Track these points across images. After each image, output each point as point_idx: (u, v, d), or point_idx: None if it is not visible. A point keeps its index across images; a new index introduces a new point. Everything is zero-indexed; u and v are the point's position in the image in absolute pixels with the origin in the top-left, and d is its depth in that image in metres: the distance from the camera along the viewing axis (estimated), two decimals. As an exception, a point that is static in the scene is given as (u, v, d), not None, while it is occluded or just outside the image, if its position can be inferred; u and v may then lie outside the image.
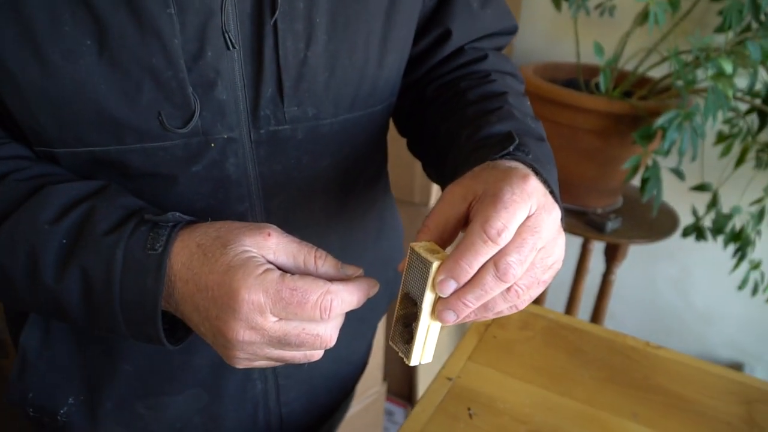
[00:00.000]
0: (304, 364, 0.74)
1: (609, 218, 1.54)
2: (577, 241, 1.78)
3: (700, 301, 1.92)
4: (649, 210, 1.58)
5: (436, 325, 0.51)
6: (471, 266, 0.47)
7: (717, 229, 1.48)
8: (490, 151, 0.56)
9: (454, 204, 0.52)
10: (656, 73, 1.51)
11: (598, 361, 0.84)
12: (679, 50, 1.32)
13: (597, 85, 1.46)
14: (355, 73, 0.62)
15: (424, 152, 0.76)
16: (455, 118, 0.67)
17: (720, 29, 1.37)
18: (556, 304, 2.03)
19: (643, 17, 1.40)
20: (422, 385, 1.88)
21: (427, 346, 0.52)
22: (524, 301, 0.51)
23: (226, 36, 0.54)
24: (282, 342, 0.50)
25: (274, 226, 0.52)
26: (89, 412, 0.69)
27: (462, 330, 2.06)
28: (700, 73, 1.35)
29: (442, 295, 0.48)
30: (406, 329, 0.52)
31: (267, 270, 0.49)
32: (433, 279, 0.48)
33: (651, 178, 1.36)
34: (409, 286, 0.51)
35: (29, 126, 0.55)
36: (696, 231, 1.52)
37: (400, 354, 0.53)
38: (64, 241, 0.52)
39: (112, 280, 0.51)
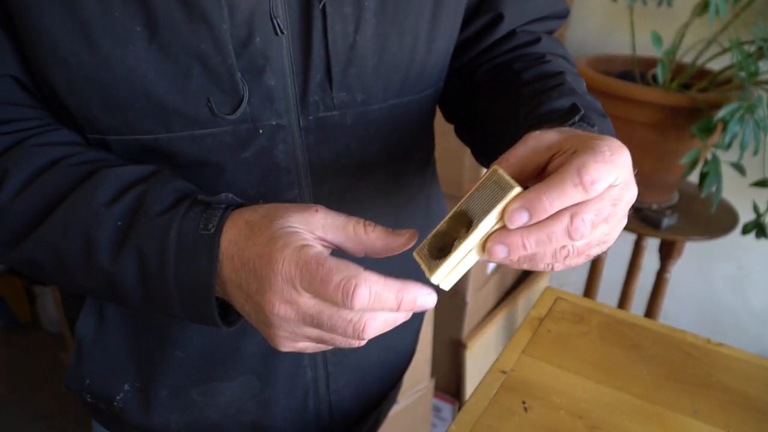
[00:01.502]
0: (352, 350, 0.74)
1: (665, 214, 1.50)
2: (630, 237, 1.75)
3: (758, 301, 1.86)
4: (706, 206, 1.54)
5: (474, 258, 0.47)
6: (552, 205, 0.44)
7: (779, 226, 1.43)
8: (554, 124, 0.54)
9: (537, 150, 0.49)
10: (715, 65, 1.47)
11: (656, 357, 0.82)
12: (741, 41, 1.28)
13: (654, 77, 1.43)
14: (404, 57, 0.62)
15: (475, 137, 0.74)
16: (510, 97, 0.65)
17: (784, 19, 1.33)
18: (608, 301, 1.99)
19: (703, 7, 1.36)
20: (470, 381, 1.87)
21: (454, 272, 0.48)
22: (564, 265, 0.49)
23: (275, 21, 0.54)
24: (315, 322, 0.47)
25: (322, 206, 0.51)
26: (144, 399, 0.70)
27: (513, 323, 2.04)
28: (762, 65, 1.31)
29: (509, 225, 0.45)
30: (439, 245, 0.48)
31: (307, 245, 0.47)
32: (506, 205, 0.45)
33: (710, 173, 1.32)
34: (472, 205, 0.47)
35: (81, 113, 0.56)
36: (757, 228, 1.47)
37: (421, 264, 0.49)
38: (119, 223, 0.52)
39: (166, 261, 0.51)
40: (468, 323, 1.81)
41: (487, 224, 0.46)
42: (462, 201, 0.48)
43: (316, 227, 0.49)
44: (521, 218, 0.45)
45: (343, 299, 0.44)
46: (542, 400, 0.74)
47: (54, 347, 2.41)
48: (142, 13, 0.50)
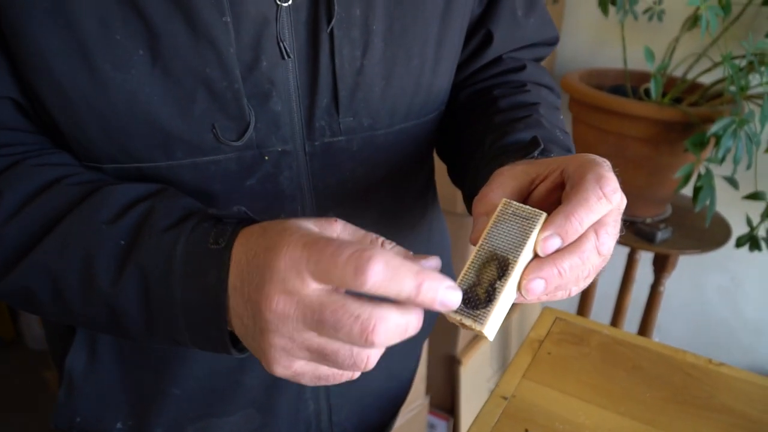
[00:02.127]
0: (355, 380, 0.72)
1: (659, 228, 1.50)
2: (624, 251, 1.74)
3: (751, 313, 1.86)
4: (699, 219, 1.54)
5: (512, 297, 0.45)
6: (582, 224, 0.43)
7: (772, 239, 1.43)
8: (513, 156, 0.54)
9: (514, 177, 0.49)
10: (706, 79, 1.47)
11: (658, 379, 0.81)
12: (731, 55, 1.28)
13: (646, 92, 1.43)
14: (411, 81, 0.61)
15: (450, 157, 0.74)
16: (482, 124, 0.65)
17: (774, 33, 1.33)
18: (602, 315, 1.99)
19: (693, 22, 1.36)
20: (465, 398, 1.85)
21: (499, 318, 0.44)
22: (582, 287, 0.48)
23: (281, 45, 0.53)
24: (317, 319, 0.39)
25: (341, 219, 0.47)
26: None
27: (506, 338, 2.03)
28: (753, 79, 1.31)
29: (543, 253, 0.44)
30: (475, 293, 0.45)
31: (318, 234, 0.42)
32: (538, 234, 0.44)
33: (704, 187, 1.32)
34: (496, 243, 0.45)
35: (77, 140, 0.54)
36: (750, 241, 1.47)
37: (464, 320, 0.44)
38: (122, 242, 0.48)
39: (171, 279, 0.46)
40: (462, 339, 1.80)
41: (525, 258, 0.44)
42: (482, 241, 0.46)
43: (330, 233, 0.46)
44: (554, 245, 0.44)
45: (354, 273, 0.37)
46: (545, 427, 0.73)
47: (38, 365, 2.38)
48: (146, 36, 0.49)
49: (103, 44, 0.48)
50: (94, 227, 0.49)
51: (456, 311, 0.45)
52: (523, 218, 0.45)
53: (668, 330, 1.99)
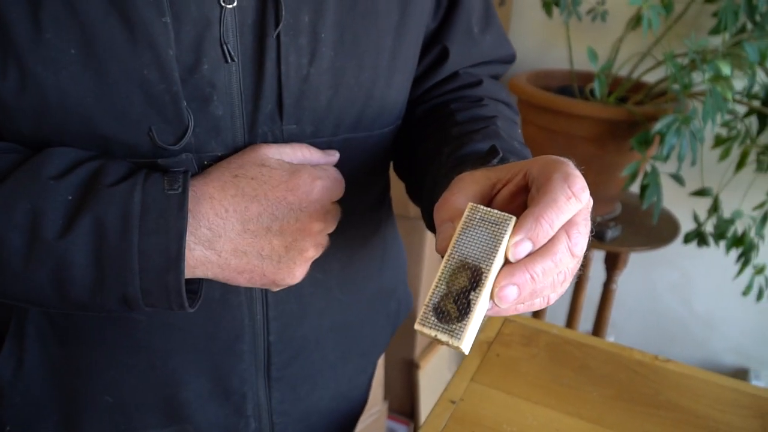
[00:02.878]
0: (300, 399, 0.71)
1: (608, 226, 1.51)
2: (577, 250, 1.76)
3: (703, 308, 1.89)
4: (648, 217, 1.56)
5: (486, 307, 0.43)
6: (552, 226, 0.42)
7: (719, 235, 1.45)
8: (472, 166, 0.52)
9: (476, 181, 0.48)
10: (651, 78, 1.49)
11: (605, 378, 0.81)
12: (674, 53, 1.30)
13: (592, 92, 1.44)
14: (362, 93, 0.59)
15: (407, 173, 0.73)
16: (438, 136, 0.64)
17: (715, 31, 1.36)
18: (558, 314, 2.00)
19: (636, 21, 1.38)
20: (424, 401, 1.85)
21: (475, 327, 0.43)
22: (560, 292, 0.47)
23: (225, 48, 0.51)
24: (336, 188, 0.57)
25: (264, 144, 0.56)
26: None
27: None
28: (696, 77, 1.33)
29: (514, 258, 0.42)
30: (449, 307, 0.43)
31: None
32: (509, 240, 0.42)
33: (650, 185, 1.34)
34: (465, 251, 0.43)
35: (13, 138, 0.52)
36: (698, 237, 1.49)
37: (439, 336, 0.43)
38: (70, 197, 0.48)
39: (129, 225, 0.47)
40: (420, 343, 1.79)
41: (497, 266, 0.43)
42: (451, 250, 0.44)
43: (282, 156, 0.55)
44: (525, 249, 0.43)
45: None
46: (493, 430, 0.72)
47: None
48: (78, 35, 0.47)
49: (33, 43, 0.47)
50: (40, 183, 0.48)
51: (430, 326, 0.43)
52: (492, 223, 0.43)
53: (623, 327, 2.01)
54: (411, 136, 0.70)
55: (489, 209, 0.44)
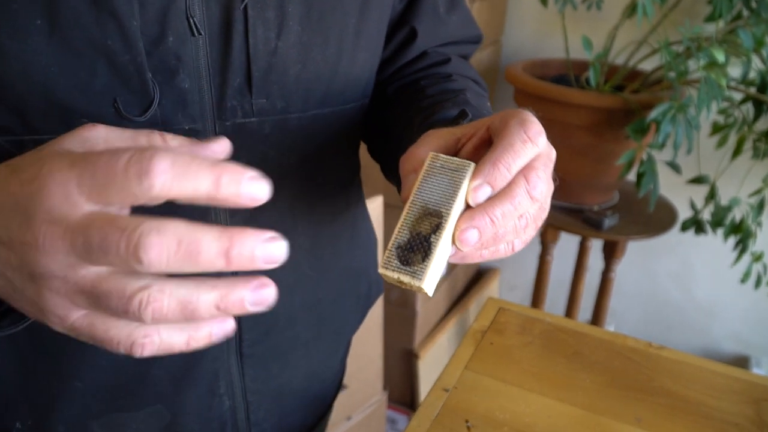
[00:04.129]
0: (273, 377, 0.70)
1: (606, 215, 1.51)
2: (575, 239, 1.76)
3: (702, 295, 1.89)
4: (646, 205, 1.56)
5: (447, 251, 0.45)
6: (510, 170, 0.43)
7: (716, 222, 1.46)
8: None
9: (440, 136, 0.49)
10: (647, 66, 1.49)
11: (598, 365, 0.81)
12: (669, 41, 1.30)
13: (587, 80, 1.44)
14: (327, 68, 0.60)
15: (381, 153, 0.74)
16: (410, 110, 0.65)
17: (710, 18, 1.35)
18: (557, 303, 2.01)
19: (631, 9, 1.38)
20: (424, 391, 1.86)
21: (436, 273, 0.44)
22: (524, 239, 0.48)
23: (191, 21, 0.51)
24: (84, 242, 0.33)
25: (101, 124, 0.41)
26: None
27: (465, 330, 2.03)
28: (691, 64, 1.33)
29: (474, 202, 0.44)
30: (410, 252, 0.44)
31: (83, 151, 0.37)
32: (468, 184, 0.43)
33: (646, 173, 1.34)
34: (427, 197, 0.45)
35: None
36: (695, 224, 1.49)
37: (402, 277, 0.43)
38: None
39: None
40: (419, 332, 1.80)
41: (457, 210, 0.44)
42: (413, 197, 0.45)
43: (97, 143, 0.39)
44: (485, 193, 0.44)
45: (137, 177, 0.32)
46: (486, 418, 0.72)
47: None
48: (44, 4, 0.46)
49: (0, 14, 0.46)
50: None
51: (393, 269, 0.44)
52: (452, 170, 0.44)
53: (623, 316, 2.02)
54: (383, 116, 0.71)
55: (449, 157, 0.45)
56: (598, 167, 1.49)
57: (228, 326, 0.38)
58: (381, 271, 0.45)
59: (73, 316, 0.36)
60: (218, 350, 0.64)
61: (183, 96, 0.53)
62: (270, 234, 0.35)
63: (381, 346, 1.68)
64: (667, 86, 1.40)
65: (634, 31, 1.52)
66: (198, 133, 0.56)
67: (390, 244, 0.45)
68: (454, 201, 0.44)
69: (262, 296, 0.36)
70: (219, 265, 0.34)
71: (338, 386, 0.88)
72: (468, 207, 0.45)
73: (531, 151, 0.44)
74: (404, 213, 0.45)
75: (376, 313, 1.62)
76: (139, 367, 0.62)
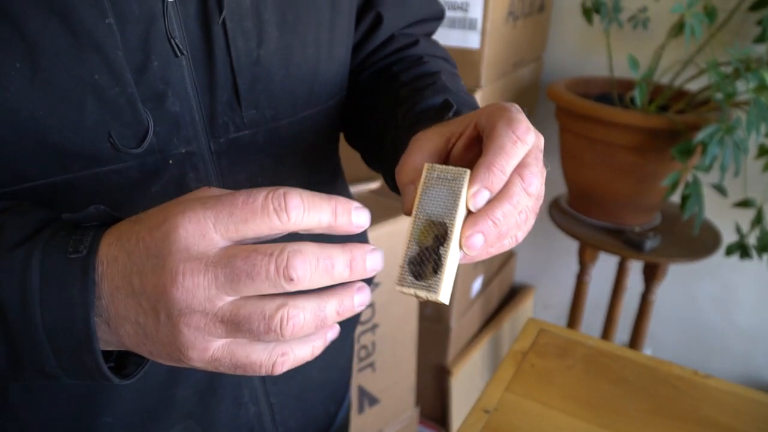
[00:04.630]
0: (292, 376, 0.70)
1: (647, 236, 1.48)
2: (613, 259, 1.73)
3: (744, 321, 1.85)
4: (689, 227, 1.53)
5: (457, 259, 0.46)
6: (504, 172, 0.44)
7: (762, 247, 1.42)
8: (428, 122, 0.54)
9: (429, 138, 0.50)
10: (693, 86, 1.47)
11: (642, 392, 0.80)
12: (717, 62, 1.28)
13: (632, 100, 1.42)
14: (309, 69, 0.61)
15: (361, 141, 0.74)
16: (389, 99, 0.66)
17: (760, 39, 1.33)
18: (594, 324, 1.97)
19: (679, 29, 1.36)
20: (455, 408, 1.84)
21: (450, 282, 0.46)
22: (525, 230, 0.49)
23: (173, 42, 0.50)
24: (230, 272, 0.37)
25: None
26: None
27: (498, 348, 2.01)
28: (739, 85, 1.30)
29: (474, 208, 0.45)
30: (422, 266, 0.45)
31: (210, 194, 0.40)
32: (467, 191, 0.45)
33: (692, 195, 1.31)
34: (429, 209, 0.46)
35: None
36: (740, 249, 1.46)
37: (418, 293, 0.45)
38: None
39: (29, 299, 0.40)
40: (452, 349, 1.79)
41: (461, 218, 0.45)
42: (415, 211, 0.46)
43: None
44: (483, 197, 0.45)
45: (276, 212, 0.37)
46: (527, 442, 0.71)
47: None
48: (21, 47, 0.44)
49: None
50: None
51: (408, 285, 0.46)
52: (449, 180, 0.45)
53: (661, 340, 1.98)
54: (359, 104, 0.72)
55: (444, 167, 0.46)
56: (641, 188, 1.46)
57: (336, 330, 0.43)
58: (397, 288, 0.46)
59: (213, 347, 0.39)
60: None
61: (176, 120, 0.53)
62: (372, 246, 0.41)
63: (414, 362, 1.67)
64: (714, 107, 1.37)
65: (680, 50, 1.49)
66: (194, 155, 0.55)
67: (401, 261, 0.46)
68: (456, 210, 0.45)
69: (365, 297, 0.42)
70: (345, 276, 0.40)
71: (350, 372, 0.88)
72: (470, 212, 0.46)
73: (522, 150, 0.45)
74: (410, 228, 0.46)
75: (409, 328, 1.61)
76: (166, 391, 0.62)
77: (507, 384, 0.80)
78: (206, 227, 0.37)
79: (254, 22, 0.55)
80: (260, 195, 0.37)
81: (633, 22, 1.54)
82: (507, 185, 0.45)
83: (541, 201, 0.49)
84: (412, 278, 0.45)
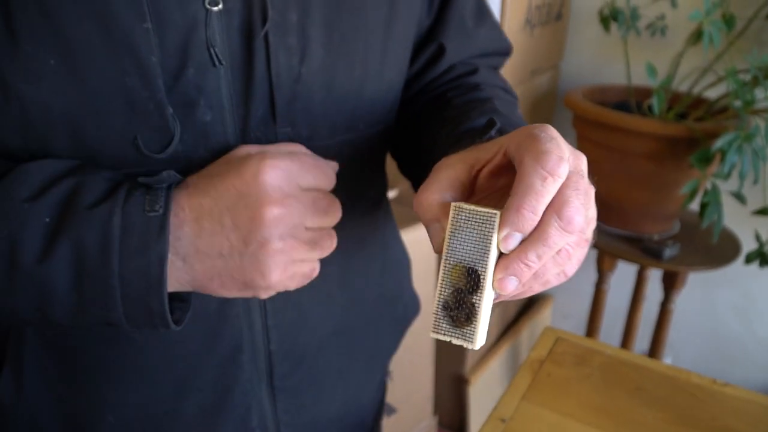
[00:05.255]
0: (307, 407, 0.69)
1: (666, 245, 1.48)
2: (632, 268, 1.72)
3: (765, 330, 1.83)
4: (708, 235, 1.52)
5: (491, 302, 0.45)
6: (535, 211, 0.41)
7: (782, 255, 1.41)
8: (469, 142, 0.51)
9: (451, 165, 0.47)
10: (712, 94, 1.46)
11: (660, 401, 0.79)
12: (736, 69, 1.27)
13: (650, 108, 1.42)
14: (353, 92, 0.59)
15: (411, 168, 0.72)
16: (435, 124, 0.63)
17: (779, 46, 1.32)
18: (613, 333, 1.96)
19: (697, 36, 1.35)
20: (473, 417, 1.83)
21: (485, 324, 0.45)
22: (573, 264, 0.45)
23: (212, 51, 0.50)
24: (313, 207, 0.51)
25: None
26: None
27: (516, 357, 2.00)
28: (758, 93, 1.30)
29: (505, 251, 0.42)
30: (455, 311, 0.45)
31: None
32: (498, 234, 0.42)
33: (711, 203, 1.31)
34: (459, 254, 0.44)
35: (1, 153, 0.50)
36: (760, 257, 1.44)
37: (453, 341, 0.45)
38: (47, 219, 0.46)
39: (109, 249, 0.45)
40: (470, 358, 1.78)
41: (492, 262, 0.43)
42: (445, 255, 0.45)
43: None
44: (515, 241, 0.42)
45: (326, 169, 0.55)
46: (543, 451, 0.71)
47: None
48: (56, 44, 0.46)
49: (10, 55, 0.45)
50: (15, 206, 0.46)
51: (443, 333, 0.45)
52: (478, 222, 0.43)
53: (681, 349, 1.96)
54: (412, 134, 0.69)
55: (472, 207, 0.44)
56: (659, 196, 1.46)
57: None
58: (432, 335, 0.45)
59: (295, 268, 0.51)
60: (249, 384, 0.64)
61: (205, 129, 0.52)
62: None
63: (432, 371, 1.67)
64: (733, 115, 1.37)
65: (698, 58, 1.49)
66: None
67: (435, 307, 0.45)
68: (487, 255, 0.43)
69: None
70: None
71: (379, 408, 0.86)
72: (502, 253, 0.44)
73: (553, 185, 0.41)
74: (441, 273, 0.45)
75: (427, 338, 1.61)
76: (170, 404, 0.62)
77: (523, 393, 0.80)
78: (290, 174, 0.50)
79: (299, 38, 0.53)
80: (318, 158, 0.54)
81: (651, 29, 1.54)
82: (541, 225, 0.42)
83: (592, 226, 0.46)
84: (447, 326, 0.45)
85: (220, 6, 0.50)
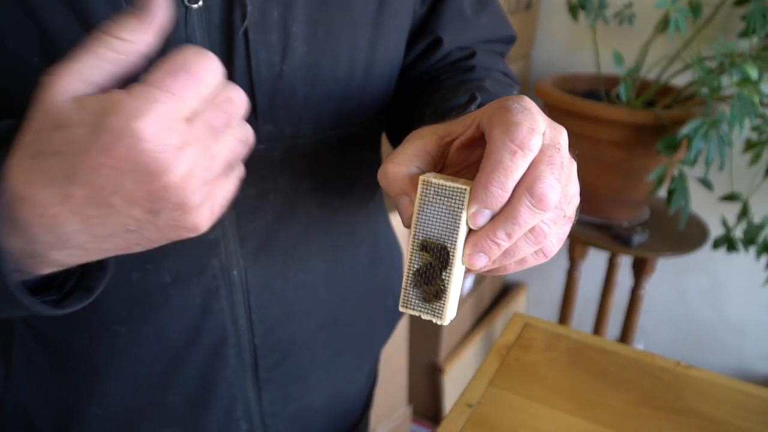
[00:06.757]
0: (294, 399, 0.69)
1: (635, 231, 1.49)
2: (603, 255, 1.74)
3: (734, 314, 1.86)
4: (676, 222, 1.54)
5: (461, 278, 0.44)
6: (504, 188, 0.39)
7: (749, 240, 1.43)
8: (449, 117, 0.49)
9: (421, 136, 0.45)
10: (679, 81, 1.48)
11: (625, 383, 0.80)
12: (702, 57, 1.28)
13: (618, 96, 1.43)
14: (339, 88, 0.58)
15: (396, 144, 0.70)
16: (425, 103, 0.62)
17: (744, 34, 1.34)
18: (585, 320, 1.98)
19: (664, 24, 1.37)
20: (448, 407, 1.84)
21: (454, 300, 0.44)
22: (552, 244, 0.44)
23: None
24: (178, 98, 0.37)
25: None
26: None
27: (491, 345, 2.02)
28: (724, 80, 1.31)
29: (474, 227, 0.41)
30: (425, 287, 0.44)
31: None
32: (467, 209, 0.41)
33: (677, 189, 1.32)
34: (427, 230, 0.43)
35: None
36: (727, 242, 1.47)
37: (423, 316, 0.44)
38: None
39: None
40: (444, 346, 1.79)
41: (461, 238, 0.42)
42: (414, 231, 0.44)
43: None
44: (484, 217, 0.41)
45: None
46: (509, 434, 0.72)
47: None
48: (39, 42, 0.45)
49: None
50: None
51: (413, 308, 0.45)
52: (447, 197, 0.42)
53: (652, 334, 1.99)
54: (404, 116, 0.68)
55: (441, 183, 0.42)
56: (628, 183, 1.47)
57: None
58: (401, 309, 0.45)
59: (217, 197, 0.41)
60: (234, 376, 0.64)
61: None
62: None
63: (406, 360, 1.68)
64: (700, 102, 1.38)
65: (666, 46, 1.50)
66: None
67: (404, 282, 0.44)
68: (456, 231, 0.42)
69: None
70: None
71: (368, 398, 0.86)
72: (471, 230, 0.43)
73: (523, 160, 0.39)
74: (409, 248, 0.44)
75: (401, 327, 1.61)
76: (155, 394, 0.62)
77: (491, 378, 0.80)
78: (167, 117, 0.36)
79: (280, 35, 0.53)
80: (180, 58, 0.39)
81: (619, 18, 1.55)
82: (512, 202, 0.40)
83: (575, 203, 0.45)
84: (416, 301, 0.44)
85: (200, 3, 0.49)
